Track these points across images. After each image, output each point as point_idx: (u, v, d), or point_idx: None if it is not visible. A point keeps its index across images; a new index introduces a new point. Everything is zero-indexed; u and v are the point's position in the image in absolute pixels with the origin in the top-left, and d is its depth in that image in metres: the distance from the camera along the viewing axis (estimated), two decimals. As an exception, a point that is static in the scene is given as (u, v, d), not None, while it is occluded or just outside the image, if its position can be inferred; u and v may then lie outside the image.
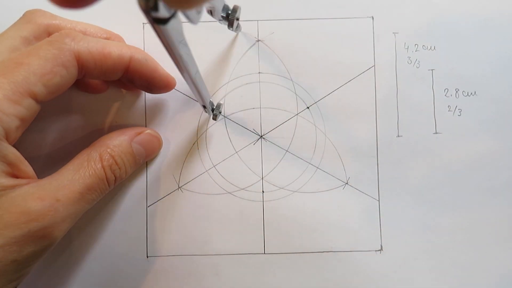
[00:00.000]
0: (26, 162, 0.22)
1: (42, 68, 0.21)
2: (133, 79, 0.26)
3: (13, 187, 0.21)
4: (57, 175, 0.22)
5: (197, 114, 0.29)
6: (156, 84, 0.26)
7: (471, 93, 0.29)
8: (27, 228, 0.20)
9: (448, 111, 0.29)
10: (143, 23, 0.29)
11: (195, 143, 0.29)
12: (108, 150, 0.25)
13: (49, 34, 0.25)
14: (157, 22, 0.16)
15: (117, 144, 0.25)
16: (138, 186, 0.29)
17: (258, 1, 0.29)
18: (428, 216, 0.29)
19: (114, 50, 0.24)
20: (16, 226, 0.20)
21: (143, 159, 0.27)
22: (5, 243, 0.20)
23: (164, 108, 0.29)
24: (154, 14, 0.16)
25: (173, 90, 0.29)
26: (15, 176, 0.22)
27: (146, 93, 0.29)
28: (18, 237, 0.20)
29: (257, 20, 0.29)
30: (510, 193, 0.29)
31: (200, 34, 0.29)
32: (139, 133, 0.27)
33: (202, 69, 0.29)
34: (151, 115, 0.29)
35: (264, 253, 0.29)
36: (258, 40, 0.29)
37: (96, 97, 0.29)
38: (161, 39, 0.17)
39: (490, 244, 0.28)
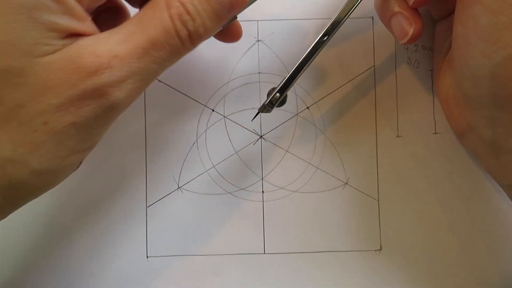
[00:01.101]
0: (90, 19, 0.19)
1: None
2: None
3: (73, 40, 0.18)
4: (119, 28, 0.19)
5: (197, 114, 0.29)
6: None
7: (471, 93, 0.29)
8: (82, 87, 0.18)
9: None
10: (143, 23, 0.29)
11: (195, 143, 0.29)
12: None
13: None
14: None
15: None
16: (137, 186, 0.29)
17: (258, 1, 0.29)
18: (428, 216, 0.29)
19: None
20: (70, 84, 0.18)
21: (227, 9, 0.21)
22: (61, 103, 0.18)
23: (164, 108, 0.29)
24: None
25: (173, 90, 0.29)
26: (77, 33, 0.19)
27: (146, 93, 0.29)
28: (74, 96, 0.18)
29: (257, 20, 0.29)
30: (510, 193, 0.29)
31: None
32: None
33: (202, 69, 0.29)
34: (151, 115, 0.29)
35: (264, 253, 0.29)
36: (258, 40, 0.29)
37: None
38: None
39: (490, 244, 0.29)
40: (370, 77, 0.29)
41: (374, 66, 0.29)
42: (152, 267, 0.28)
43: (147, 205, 0.29)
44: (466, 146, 0.28)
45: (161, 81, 0.29)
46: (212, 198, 0.29)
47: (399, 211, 0.29)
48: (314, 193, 0.29)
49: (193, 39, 0.20)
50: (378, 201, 0.29)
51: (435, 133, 0.29)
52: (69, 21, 0.18)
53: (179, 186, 0.29)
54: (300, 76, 0.25)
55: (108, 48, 0.18)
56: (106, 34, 0.19)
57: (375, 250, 0.29)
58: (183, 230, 0.29)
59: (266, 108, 0.25)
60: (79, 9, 0.19)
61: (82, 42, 0.18)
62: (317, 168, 0.29)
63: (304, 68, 0.25)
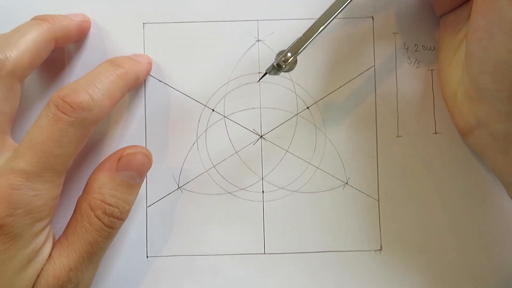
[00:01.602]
0: None
1: None
2: None
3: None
4: (63, 239, 0.24)
5: (197, 114, 0.29)
6: None
7: (471, 93, 0.29)
8: None
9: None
10: (143, 23, 0.29)
11: (195, 143, 0.29)
12: (95, 195, 0.24)
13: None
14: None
15: (102, 183, 0.24)
16: (138, 186, 0.29)
17: (258, 1, 0.29)
18: (428, 216, 0.29)
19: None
20: None
21: (139, 179, 0.25)
22: None
23: (164, 108, 0.29)
24: None
25: (173, 90, 0.29)
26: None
27: (146, 92, 0.29)
28: None
29: (257, 20, 0.29)
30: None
31: (200, 34, 0.29)
32: (119, 159, 0.25)
33: (202, 69, 0.29)
34: (151, 115, 0.29)
35: (264, 253, 0.29)
36: (258, 40, 0.29)
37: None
38: None
39: (490, 244, 0.28)
40: (370, 77, 0.29)
41: (374, 66, 0.29)
42: (152, 267, 0.28)
43: (147, 205, 0.29)
44: (471, 143, 0.28)
45: (161, 81, 0.29)
46: (212, 198, 0.29)
47: (399, 211, 0.29)
48: (314, 193, 0.29)
49: (123, 218, 0.25)
50: (378, 201, 0.29)
51: (435, 133, 0.29)
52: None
53: (179, 186, 0.29)
54: (315, 38, 0.24)
55: (62, 266, 0.23)
56: (57, 253, 0.23)
57: (375, 250, 0.29)
58: (183, 230, 0.29)
59: (274, 69, 0.25)
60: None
61: (44, 271, 0.23)
62: (317, 168, 0.29)
63: (322, 28, 0.24)
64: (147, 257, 0.29)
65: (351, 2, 0.25)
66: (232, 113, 0.29)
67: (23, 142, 0.22)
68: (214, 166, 0.29)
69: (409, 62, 0.29)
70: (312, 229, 0.29)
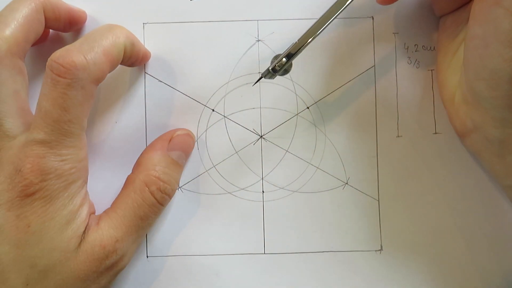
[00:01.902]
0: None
1: None
2: None
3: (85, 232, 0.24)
4: (112, 215, 0.25)
5: (197, 114, 0.29)
6: None
7: (471, 93, 0.29)
8: (99, 271, 0.24)
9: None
10: (143, 23, 0.29)
11: (195, 143, 0.29)
12: (151, 172, 0.26)
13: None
14: None
15: (156, 161, 0.26)
16: (138, 186, 0.29)
17: (258, 1, 0.29)
18: (428, 216, 0.29)
19: None
20: (92, 272, 0.24)
21: (186, 159, 0.28)
22: (86, 286, 0.24)
23: (164, 108, 0.29)
24: None
25: (173, 90, 0.29)
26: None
27: (146, 92, 0.29)
28: (94, 278, 0.24)
29: (257, 20, 0.29)
30: (510, 193, 0.29)
31: (200, 34, 0.29)
32: (170, 139, 0.27)
33: (202, 69, 0.29)
34: (151, 115, 0.29)
35: (264, 253, 0.29)
36: (258, 40, 0.29)
37: (96, 98, 0.29)
38: None
39: (490, 244, 0.28)
40: (370, 77, 0.29)
41: (374, 66, 0.29)
42: (152, 267, 0.28)
43: (147, 205, 0.29)
44: (468, 145, 0.28)
45: (161, 81, 0.29)
46: (212, 198, 0.29)
47: (399, 211, 0.29)
48: (314, 193, 0.29)
49: (172, 195, 0.27)
50: (378, 201, 0.29)
51: (435, 133, 0.29)
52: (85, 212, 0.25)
53: (179, 186, 0.29)
54: (310, 43, 0.24)
55: (109, 236, 0.24)
56: (105, 224, 0.25)
57: (376, 250, 0.29)
58: (183, 230, 0.29)
59: (269, 73, 0.25)
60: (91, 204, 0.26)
61: (91, 237, 0.24)
62: (317, 168, 0.29)
63: (317, 33, 0.24)
64: (147, 257, 0.29)
65: (351, 3, 0.25)
66: (232, 113, 0.29)
67: (36, 112, 0.23)
68: (214, 166, 0.29)
69: (409, 62, 0.29)
70: (312, 229, 0.29)
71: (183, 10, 0.29)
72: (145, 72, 0.29)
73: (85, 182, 0.25)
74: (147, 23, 0.29)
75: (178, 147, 0.27)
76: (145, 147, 0.28)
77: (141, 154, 0.27)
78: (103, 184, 0.28)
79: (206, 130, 0.29)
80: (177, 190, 0.29)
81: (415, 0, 0.29)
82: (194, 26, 0.29)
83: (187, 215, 0.29)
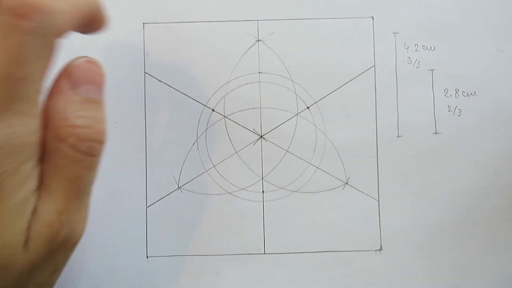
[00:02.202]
0: None
1: None
2: None
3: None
4: (44, 186, 0.20)
5: (197, 114, 0.29)
6: None
7: (471, 93, 0.29)
8: (52, 248, 0.21)
9: (448, 111, 0.29)
10: (143, 23, 0.29)
11: (195, 143, 0.29)
12: (61, 122, 0.19)
13: None
14: None
15: (61, 108, 0.20)
16: (137, 186, 0.29)
17: (258, 1, 0.29)
18: (428, 216, 0.29)
19: None
20: (43, 252, 0.21)
21: (100, 91, 0.21)
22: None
23: (164, 108, 0.29)
24: None
25: (173, 90, 0.29)
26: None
27: (146, 92, 0.29)
28: (47, 256, 0.21)
29: (257, 20, 0.29)
30: (510, 193, 0.29)
31: (200, 34, 0.29)
32: (70, 74, 0.20)
33: (202, 69, 0.29)
34: (151, 115, 0.29)
35: (264, 253, 0.29)
36: (258, 40, 0.29)
37: (96, 97, 0.29)
38: None
39: (490, 244, 0.29)
40: (370, 77, 0.29)
41: (374, 66, 0.29)
42: (152, 267, 0.28)
43: (147, 205, 0.29)
44: None
45: (161, 81, 0.29)
46: (212, 198, 0.29)
47: (399, 211, 0.29)
48: (314, 193, 0.29)
49: (99, 141, 0.20)
50: (378, 201, 0.29)
51: (435, 133, 0.29)
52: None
53: (179, 186, 0.29)
54: None
55: (50, 212, 0.20)
56: (40, 204, 0.20)
57: (375, 250, 0.29)
58: (183, 230, 0.29)
59: None
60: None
61: (34, 224, 0.20)
62: (317, 168, 0.29)
63: None
64: (147, 257, 0.29)
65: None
66: (232, 113, 0.29)
67: None
68: (214, 166, 0.29)
69: (409, 62, 0.29)
70: (312, 229, 0.29)
71: (183, 10, 0.29)
72: (145, 72, 0.29)
73: (38, 158, 0.20)
74: (147, 23, 0.29)
75: (84, 80, 0.20)
76: (145, 147, 0.28)
77: (43, 105, 0.20)
78: (103, 184, 0.28)
79: (206, 130, 0.29)
80: (177, 190, 0.29)
81: (415, 0, 0.29)
82: (194, 26, 0.29)
83: (187, 215, 0.29)
